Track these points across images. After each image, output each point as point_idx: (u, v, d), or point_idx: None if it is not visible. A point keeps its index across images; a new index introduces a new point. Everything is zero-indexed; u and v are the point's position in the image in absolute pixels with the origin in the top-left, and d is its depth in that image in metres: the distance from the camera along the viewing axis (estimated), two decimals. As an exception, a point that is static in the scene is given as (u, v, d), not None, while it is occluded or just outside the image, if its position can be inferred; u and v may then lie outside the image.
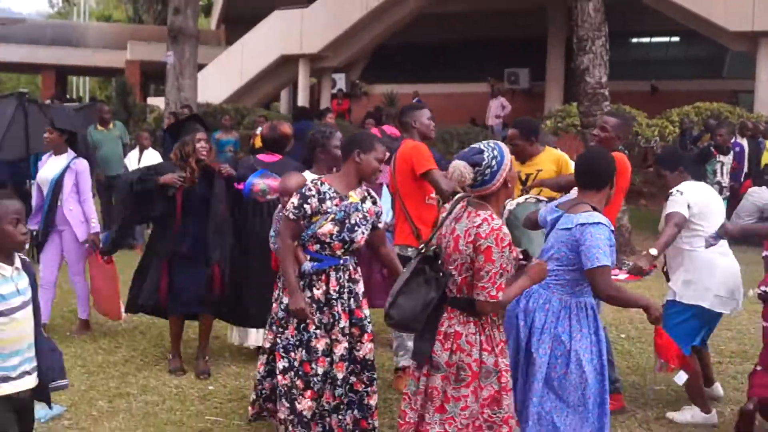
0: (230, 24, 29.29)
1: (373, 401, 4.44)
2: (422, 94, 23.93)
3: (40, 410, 5.17)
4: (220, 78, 21.64)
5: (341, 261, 4.40)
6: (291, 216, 4.32)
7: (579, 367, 3.87)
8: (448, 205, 3.94)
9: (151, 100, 27.44)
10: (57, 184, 6.75)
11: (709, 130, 13.15)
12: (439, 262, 3.71)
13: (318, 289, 4.35)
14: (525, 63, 24.76)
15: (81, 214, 6.85)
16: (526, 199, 5.23)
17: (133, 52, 30.06)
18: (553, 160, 5.93)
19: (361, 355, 4.42)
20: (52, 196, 6.75)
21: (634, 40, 25.72)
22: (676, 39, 24.98)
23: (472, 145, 3.76)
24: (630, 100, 16.15)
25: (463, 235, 3.59)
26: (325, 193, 4.31)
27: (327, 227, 4.27)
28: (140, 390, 5.72)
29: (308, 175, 5.04)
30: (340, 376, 4.32)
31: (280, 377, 4.40)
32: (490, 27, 23.81)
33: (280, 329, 4.46)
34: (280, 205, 4.81)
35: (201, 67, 17.71)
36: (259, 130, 10.88)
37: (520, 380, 3.95)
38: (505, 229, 3.58)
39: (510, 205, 5.14)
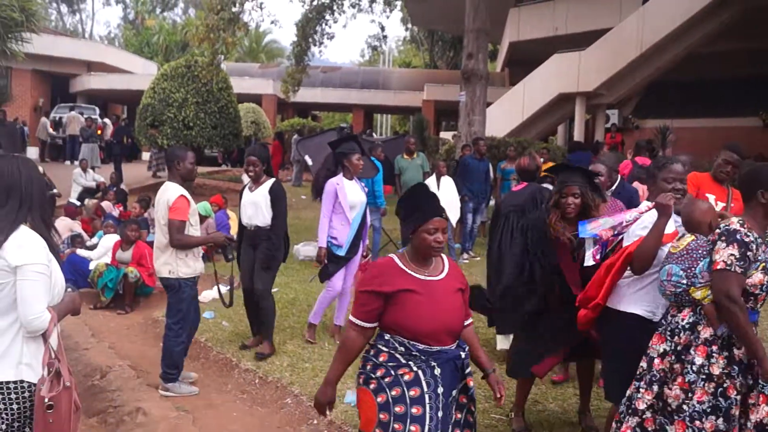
0: (513, 67, 29.45)
1: None
2: (689, 128, 22.55)
3: (349, 395, 5.44)
4: (504, 114, 21.80)
5: (758, 315, 3.53)
6: (738, 270, 3.35)
7: None
8: None
9: (443, 134, 28.27)
10: (365, 206, 6.92)
11: None
12: None
13: (738, 348, 3.43)
14: (797, 97, 22.51)
15: None
16: None
17: (429, 93, 31.03)
18: None
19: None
20: (363, 216, 6.85)
21: None
22: None
23: None
24: None
25: None
26: (756, 238, 3.42)
27: (758, 276, 3.39)
28: (435, 385, 5.80)
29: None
30: None
31: None
32: (761, 63, 21.97)
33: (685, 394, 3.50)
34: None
35: (488, 105, 17.94)
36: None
37: None
38: None
39: None
